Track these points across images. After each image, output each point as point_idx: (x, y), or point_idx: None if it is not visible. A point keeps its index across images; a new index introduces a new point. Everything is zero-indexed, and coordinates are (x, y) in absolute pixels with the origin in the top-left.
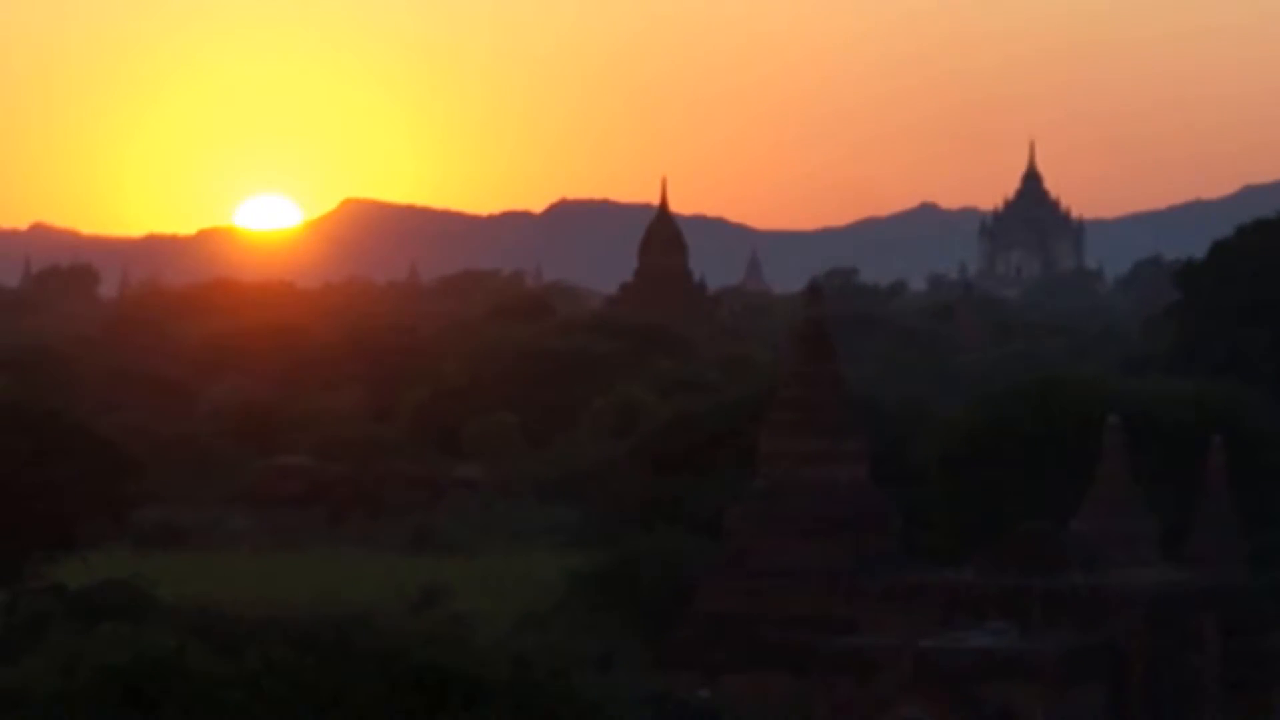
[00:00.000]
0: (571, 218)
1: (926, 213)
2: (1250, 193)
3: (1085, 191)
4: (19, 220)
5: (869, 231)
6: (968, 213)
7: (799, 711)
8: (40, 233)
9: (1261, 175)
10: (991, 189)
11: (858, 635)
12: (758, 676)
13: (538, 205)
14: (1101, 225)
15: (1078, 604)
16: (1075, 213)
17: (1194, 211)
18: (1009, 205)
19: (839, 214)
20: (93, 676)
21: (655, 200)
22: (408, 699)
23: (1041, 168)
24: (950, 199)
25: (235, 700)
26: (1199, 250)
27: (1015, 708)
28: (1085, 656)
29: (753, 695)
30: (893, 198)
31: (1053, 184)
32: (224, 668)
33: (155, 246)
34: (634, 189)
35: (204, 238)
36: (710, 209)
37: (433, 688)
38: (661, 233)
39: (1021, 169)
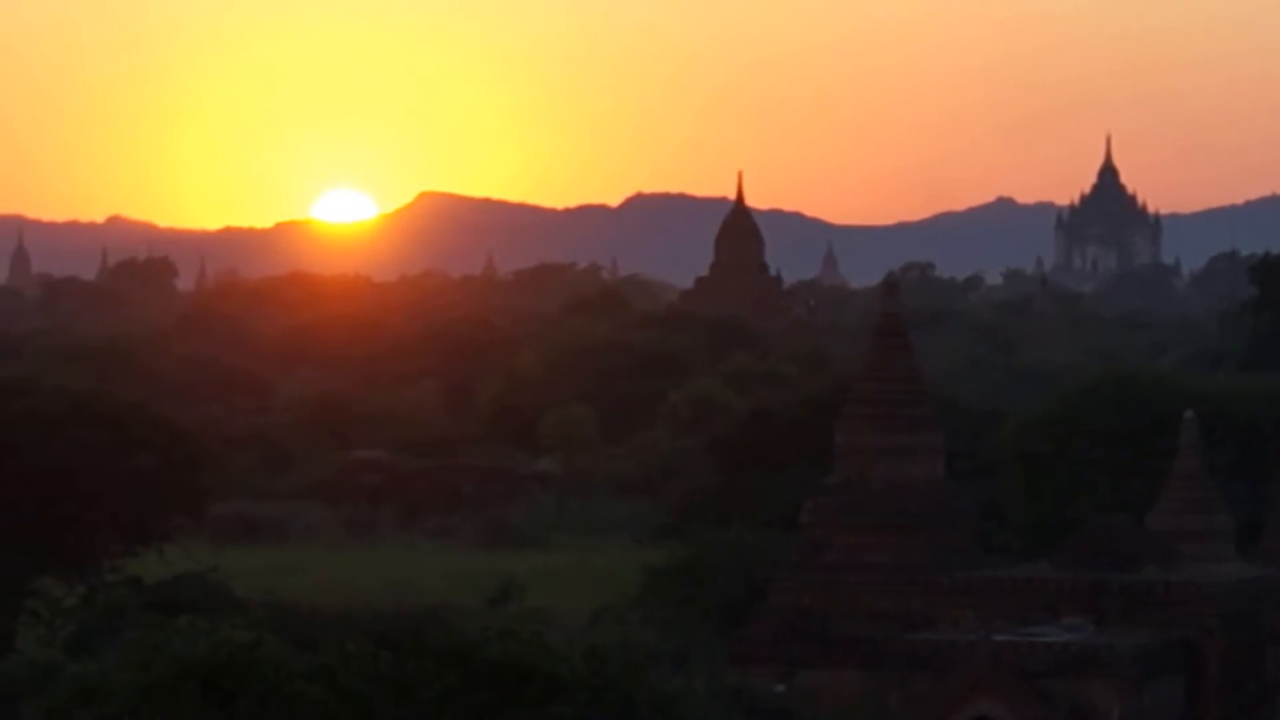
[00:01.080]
0: (648, 211)
1: (1003, 207)
2: None
3: (1162, 186)
4: (97, 213)
5: (945, 226)
6: (1044, 207)
7: (873, 707)
8: (117, 226)
9: None
10: (1068, 183)
11: (933, 631)
12: (832, 672)
13: (614, 199)
14: (1178, 220)
15: (1153, 600)
16: (1151, 207)
17: (1271, 206)
18: (1085, 200)
19: (915, 208)
20: (169, 670)
21: (731, 194)
22: (483, 693)
23: (1118, 162)
24: (1026, 193)
25: (311, 694)
26: (1276, 245)
27: (1090, 704)
28: (1161, 653)
29: (827, 690)
30: (969, 192)
31: (1129, 178)
32: (300, 661)
33: (232, 239)
34: (710, 183)
35: (281, 231)
36: (786, 203)
37: (508, 682)
38: (738, 226)
39: (1098, 163)
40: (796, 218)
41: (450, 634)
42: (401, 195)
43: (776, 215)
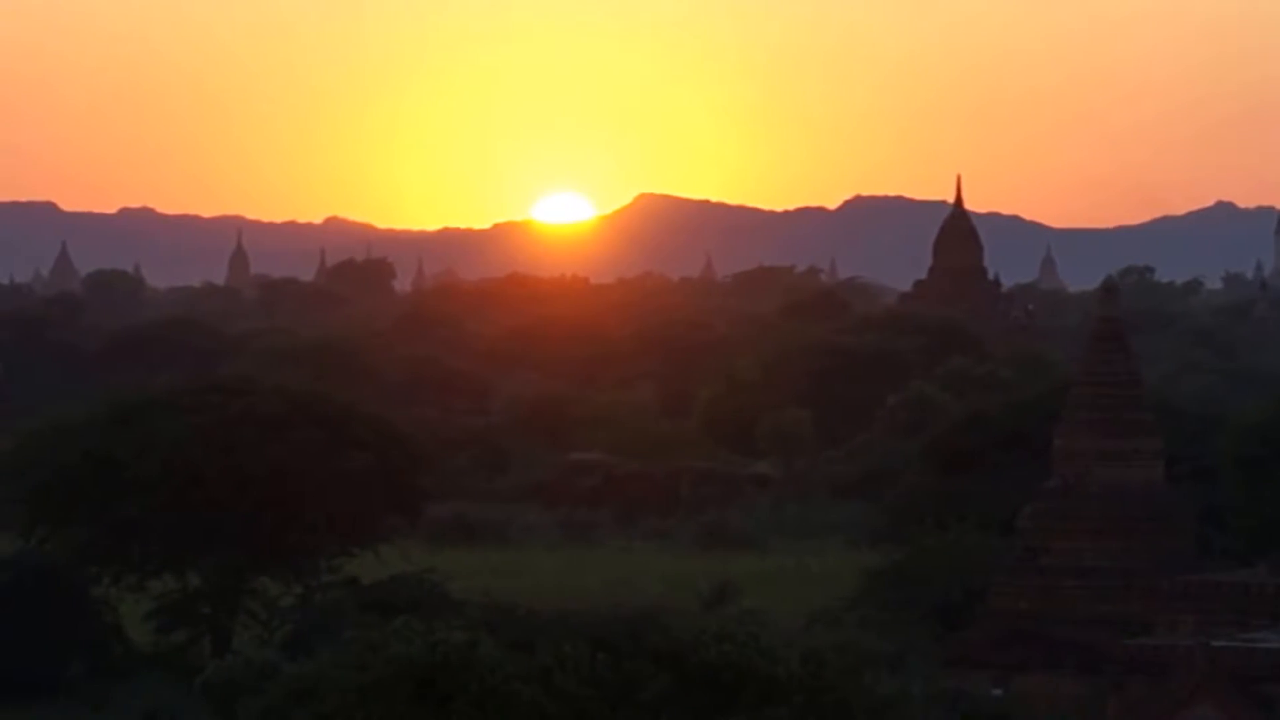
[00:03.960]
0: (866, 214)
1: (1223, 211)
2: None
3: None
4: (315, 214)
5: (1165, 229)
6: (1265, 211)
7: (1090, 712)
8: (336, 227)
9: None
10: None
11: (1151, 636)
12: (1049, 676)
13: (832, 201)
14: None
15: None
16: None
17: None
18: None
19: (1135, 212)
20: (386, 670)
21: (950, 197)
22: (699, 695)
23: None
24: (1247, 197)
25: (527, 695)
26: None
27: None
28: None
29: (1044, 695)
30: (1189, 196)
31: None
32: (516, 663)
33: (450, 240)
34: (928, 186)
35: (499, 232)
36: (1005, 206)
37: (724, 685)
38: (956, 229)
39: None
40: (1015, 221)
41: (667, 636)
42: (620, 197)
43: (995, 218)
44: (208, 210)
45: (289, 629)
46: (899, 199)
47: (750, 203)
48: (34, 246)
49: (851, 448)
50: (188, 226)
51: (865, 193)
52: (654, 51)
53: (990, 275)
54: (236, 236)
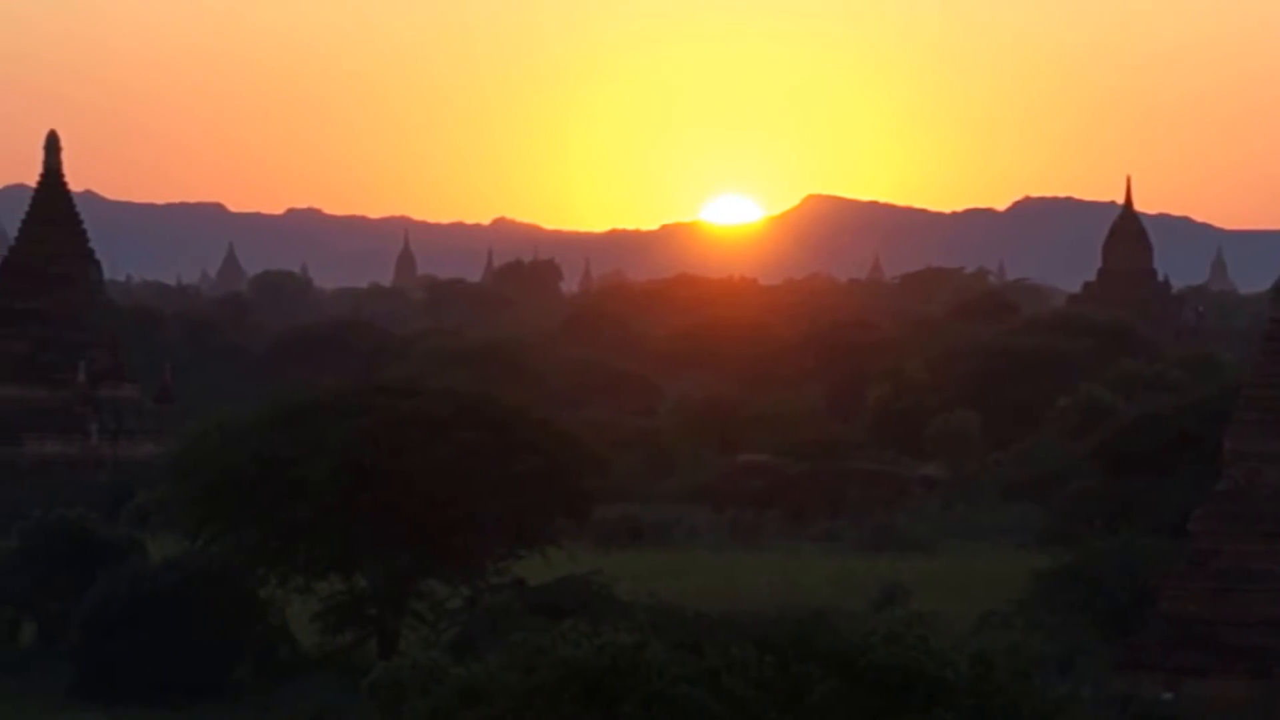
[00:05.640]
0: (1035, 215)
1: None
2: None
3: None
4: (482, 215)
5: None
6: None
7: (1262, 716)
8: (503, 227)
9: None
10: None
11: None
12: (1220, 680)
13: (1001, 202)
14: None
15: None
16: None
17: None
18: None
19: None
20: (553, 673)
21: (1119, 198)
22: (868, 698)
23: None
24: None
25: (695, 697)
26: None
27: None
28: None
29: (1215, 699)
30: None
31: None
32: (684, 665)
33: (618, 241)
34: (1098, 186)
35: (667, 233)
36: (1175, 207)
37: (893, 687)
38: (1126, 231)
39: None
40: (1185, 222)
41: (834, 638)
42: (789, 198)
43: (1165, 219)
44: (375, 211)
45: (456, 631)
46: (1068, 200)
47: (918, 204)
48: (201, 248)
49: (1020, 450)
50: (355, 227)
51: (1034, 194)
52: (823, 52)
53: (1160, 277)
54: (403, 237)
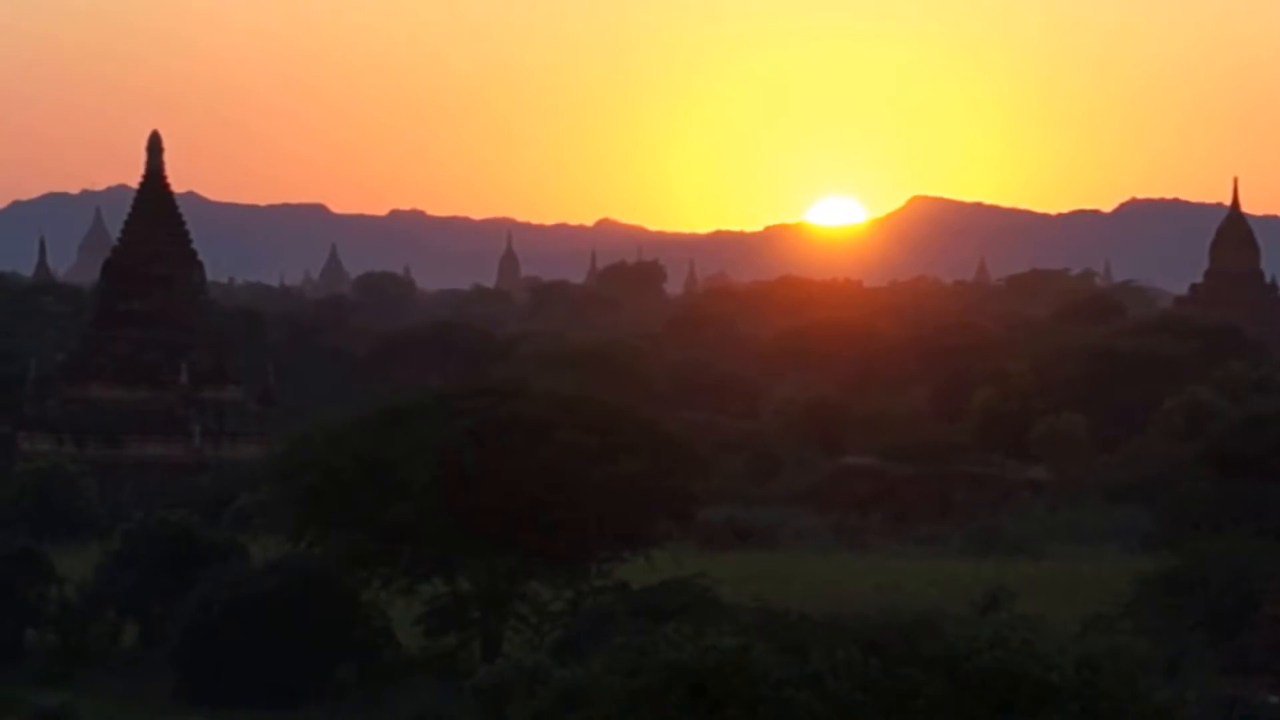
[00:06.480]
0: (1141, 217)
1: None
2: None
3: None
4: (586, 216)
5: None
6: None
7: None
8: (607, 229)
9: None
10: None
11: None
12: None
13: (1107, 204)
14: None
15: None
16: None
17: None
18: None
19: None
20: (657, 676)
21: (1226, 200)
22: (973, 702)
23: None
24: None
25: (800, 701)
26: None
27: None
28: None
29: None
30: None
31: None
32: (788, 668)
33: (722, 243)
34: (1204, 188)
35: (771, 234)
36: None
37: (998, 691)
38: (1233, 233)
39: None
40: None
41: (940, 641)
42: (893, 199)
43: (1273, 221)
44: (478, 212)
45: (559, 633)
46: (1175, 202)
47: (1024, 205)
48: (304, 249)
49: (1126, 452)
50: (458, 229)
51: (1141, 195)
52: (928, 53)
53: (1267, 279)
54: (507, 239)
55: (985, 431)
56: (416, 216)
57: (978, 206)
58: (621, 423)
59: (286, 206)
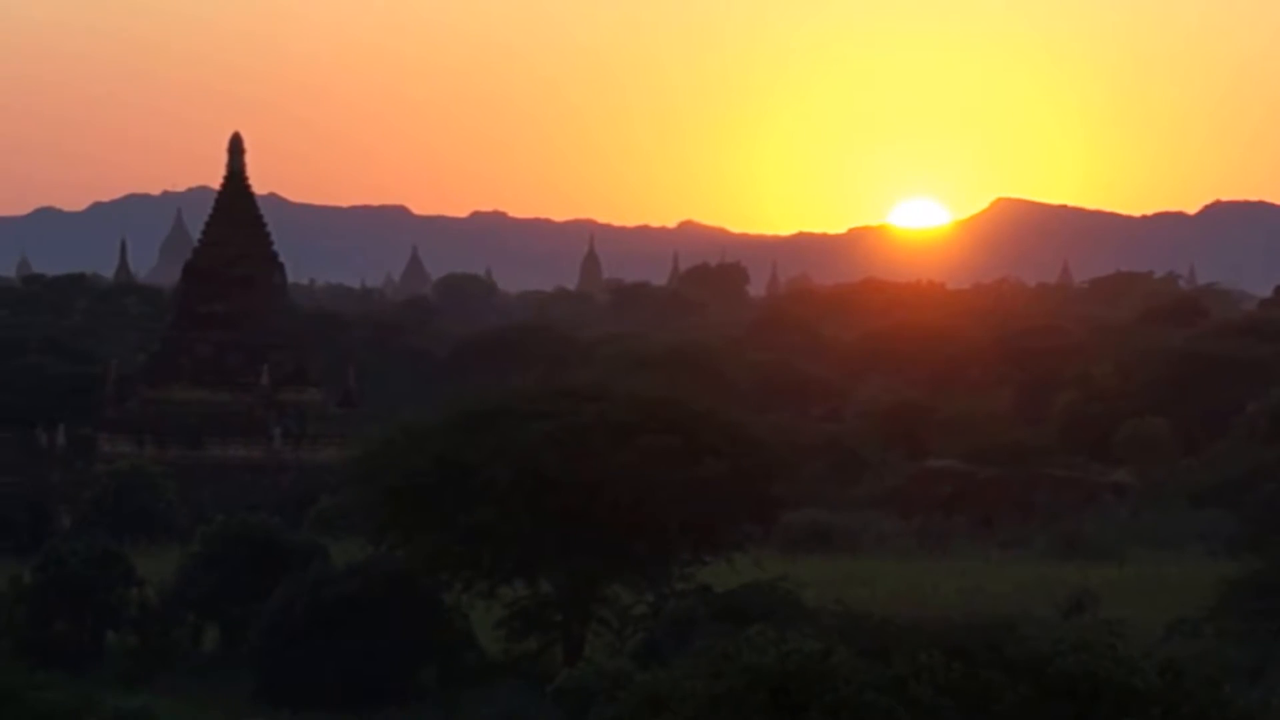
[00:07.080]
0: (1226, 219)
1: None
2: None
3: None
4: (668, 218)
5: None
6: None
7: None
8: (689, 230)
9: None
10: None
11: None
12: None
13: (1192, 206)
14: None
15: None
16: None
17: None
18: None
19: None
20: (739, 680)
21: None
22: (1057, 706)
23: None
24: None
25: (882, 705)
26: None
27: None
28: None
29: None
30: None
31: None
32: (871, 672)
33: (805, 245)
34: None
35: (854, 237)
36: None
37: (1083, 695)
38: None
39: None
40: None
41: (1023, 645)
42: (977, 201)
43: None
44: (560, 214)
45: (641, 637)
46: (1261, 204)
47: (1108, 207)
48: (386, 251)
49: (1210, 455)
50: (539, 230)
51: (1225, 197)
52: (1012, 56)
53: None
54: (588, 240)
55: (1068, 434)
56: (498, 218)
57: (1061, 208)
58: (704, 425)
59: (368, 208)
